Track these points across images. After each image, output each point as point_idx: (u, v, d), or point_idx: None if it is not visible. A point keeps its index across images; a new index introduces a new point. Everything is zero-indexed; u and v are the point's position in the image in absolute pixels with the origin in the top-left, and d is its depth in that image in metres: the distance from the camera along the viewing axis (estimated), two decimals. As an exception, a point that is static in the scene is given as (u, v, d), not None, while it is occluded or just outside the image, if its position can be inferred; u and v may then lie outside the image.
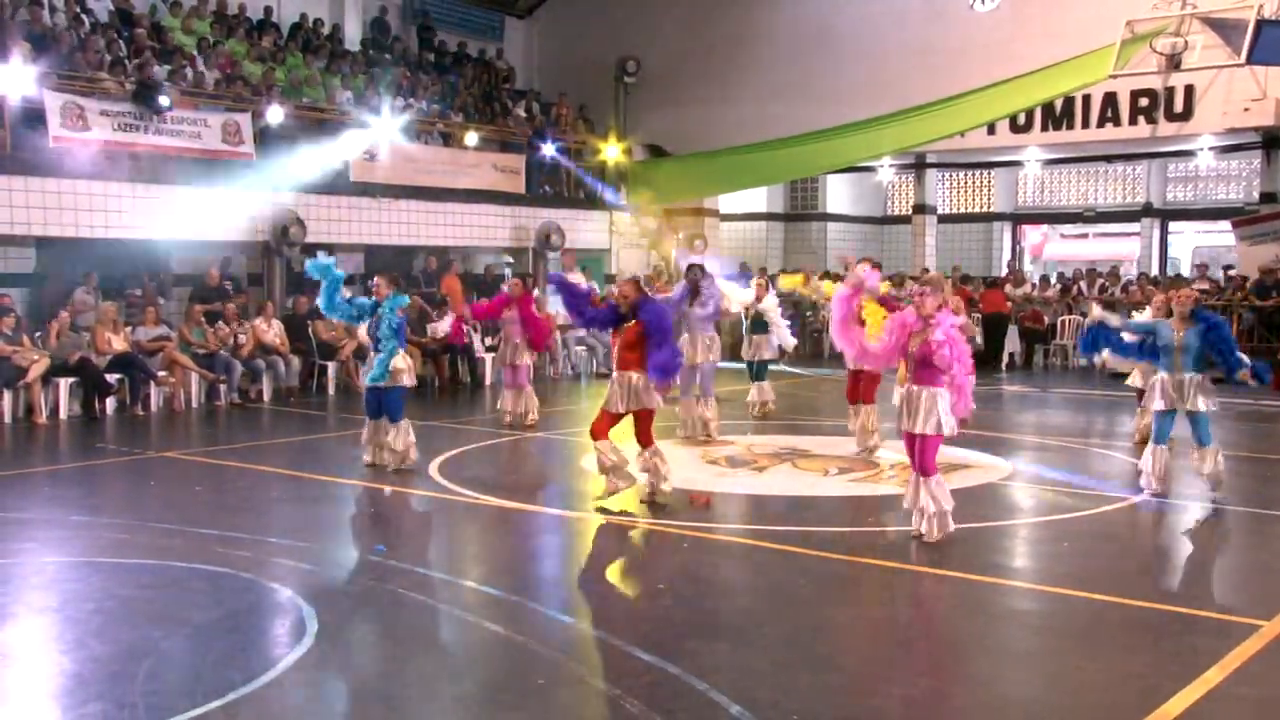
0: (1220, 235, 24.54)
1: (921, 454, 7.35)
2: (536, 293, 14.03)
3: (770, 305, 13.23)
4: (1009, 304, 20.36)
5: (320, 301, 9.97)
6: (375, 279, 10.12)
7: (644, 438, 8.66)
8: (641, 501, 8.64)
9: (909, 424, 7.36)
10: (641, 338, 8.51)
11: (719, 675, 5.08)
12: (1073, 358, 20.36)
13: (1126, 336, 9.12)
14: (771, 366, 14.01)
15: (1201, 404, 8.65)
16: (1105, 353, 9.84)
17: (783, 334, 13.29)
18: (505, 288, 13.14)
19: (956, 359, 7.19)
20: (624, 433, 8.80)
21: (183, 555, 7.11)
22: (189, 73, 17.11)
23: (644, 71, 24.43)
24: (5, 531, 7.83)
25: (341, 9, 22.54)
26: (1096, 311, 9.24)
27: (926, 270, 22.06)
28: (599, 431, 8.65)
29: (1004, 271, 23.21)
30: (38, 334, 13.54)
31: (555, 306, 15.50)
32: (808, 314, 22.77)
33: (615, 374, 8.67)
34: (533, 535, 8.08)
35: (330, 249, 17.62)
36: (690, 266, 12.49)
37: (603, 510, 8.52)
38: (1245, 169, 23.03)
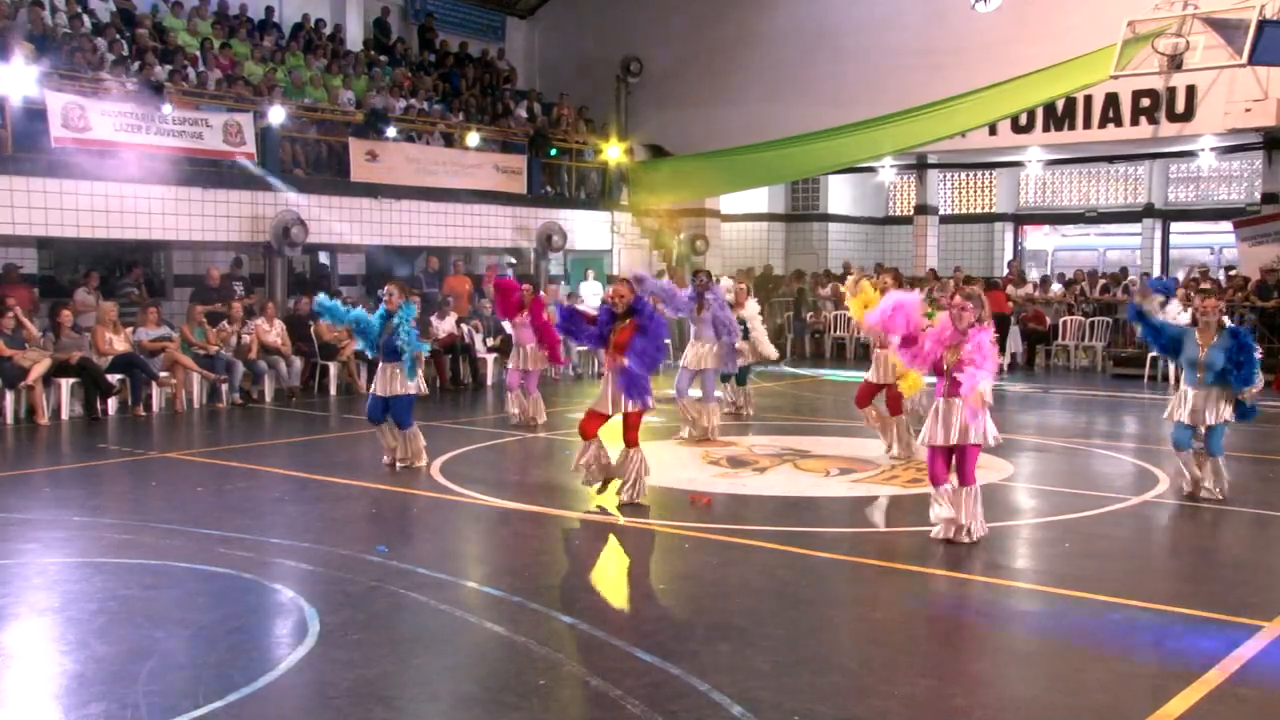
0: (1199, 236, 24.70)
1: (963, 464, 7.35)
2: (544, 297, 14.01)
3: (752, 312, 13.08)
4: (1010, 304, 20.36)
5: (336, 322, 10.10)
6: (388, 287, 10.00)
7: (630, 438, 8.61)
8: (618, 507, 8.64)
9: (946, 437, 7.29)
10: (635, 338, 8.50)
11: (720, 676, 5.08)
12: (1074, 359, 20.35)
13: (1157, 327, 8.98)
14: (758, 369, 13.94)
15: (1221, 416, 8.55)
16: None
17: (764, 345, 13.05)
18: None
19: (977, 372, 7.08)
20: (613, 432, 8.78)
21: (185, 556, 7.12)
22: (190, 73, 17.12)
23: (646, 72, 24.46)
24: (7, 532, 7.83)
25: (343, 9, 22.57)
26: (1150, 304, 8.97)
27: (933, 272, 22.04)
28: (588, 431, 8.65)
29: (1005, 272, 23.21)
30: (43, 334, 13.55)
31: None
32: (808, 315, 22.76)
33: (607, 373, 8.66)
34: (534, 536, 8.08)
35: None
36: (696, 272, 12.48)
37: (600, 508, 8.53)
38: (1247, 169, 23.03)
